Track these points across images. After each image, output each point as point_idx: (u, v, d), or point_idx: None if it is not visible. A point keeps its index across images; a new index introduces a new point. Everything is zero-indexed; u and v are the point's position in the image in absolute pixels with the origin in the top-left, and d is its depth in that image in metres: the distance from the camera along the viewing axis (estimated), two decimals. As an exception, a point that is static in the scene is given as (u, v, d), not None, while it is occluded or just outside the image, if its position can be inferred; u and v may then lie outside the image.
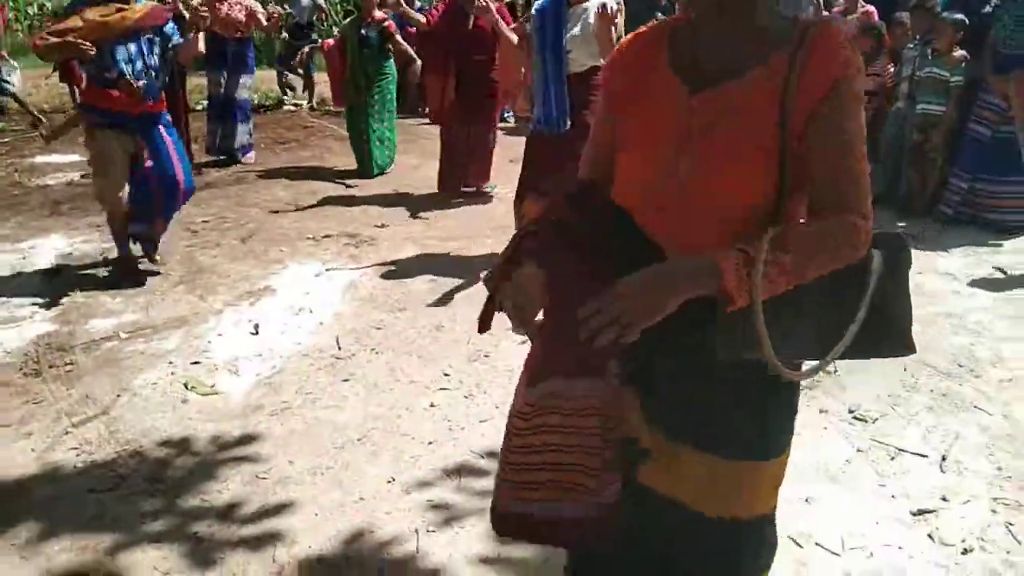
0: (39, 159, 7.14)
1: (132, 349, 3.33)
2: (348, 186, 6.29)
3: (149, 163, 3.97)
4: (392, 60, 6.58)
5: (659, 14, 8.28)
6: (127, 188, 4.00)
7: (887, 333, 1.28)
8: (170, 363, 3.21)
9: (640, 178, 1.29)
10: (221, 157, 6.96)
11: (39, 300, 3.84)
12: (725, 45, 1.23)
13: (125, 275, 4.08)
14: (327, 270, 4.30)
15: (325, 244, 4.77)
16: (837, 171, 1.19)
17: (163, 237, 4.35)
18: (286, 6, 9.88)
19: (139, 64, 3.75)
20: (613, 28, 3.77)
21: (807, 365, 1.24)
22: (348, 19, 7.05)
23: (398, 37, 6.44)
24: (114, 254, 4.23)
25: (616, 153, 1.34)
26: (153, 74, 3.84)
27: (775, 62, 1.18)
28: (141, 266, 4.23)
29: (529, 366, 1.23)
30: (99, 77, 3.77)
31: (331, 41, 6.68)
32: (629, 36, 1.39)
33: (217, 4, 6.43)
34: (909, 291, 1.30)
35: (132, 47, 3.75)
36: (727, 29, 1.23)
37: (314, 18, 10.25)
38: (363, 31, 6.28)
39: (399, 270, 4.32)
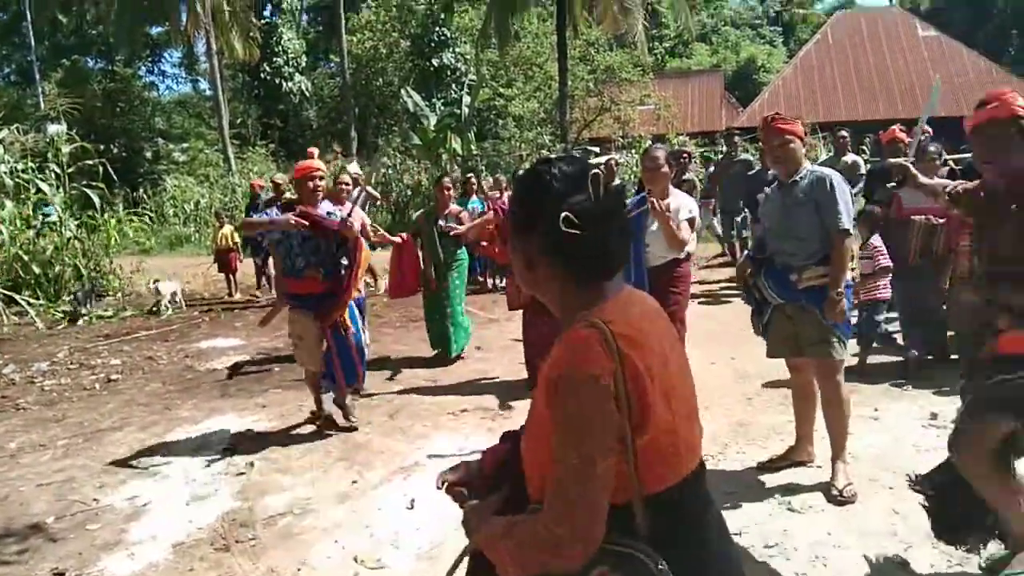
0: (204, 344, 8.07)
1: (305, 524, 3.68)
2: (478, 356, 6.73)
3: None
4: (465, 248, 6.79)
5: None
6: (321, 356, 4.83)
7: None
8: (336, 540, 3.50)
9: None
10: None
11: (221, 477, 4.31)
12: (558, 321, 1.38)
13: (328, 427, 5.00)
14: (470, 444, 4.61)
15: (464, 418, 5.12)
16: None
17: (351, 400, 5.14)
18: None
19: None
20: (681, 227, 4.35)
21: None
22: (421, 212, 7.21)
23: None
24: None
25: None
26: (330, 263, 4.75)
27: None
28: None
29: None
30: (289, 268, 4.75)
31: (406, 235, 6.68)
32: None
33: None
34: None
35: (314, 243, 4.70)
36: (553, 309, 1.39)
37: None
38: (440, 223, 6.62)
39: (536, 443, 4.56)
